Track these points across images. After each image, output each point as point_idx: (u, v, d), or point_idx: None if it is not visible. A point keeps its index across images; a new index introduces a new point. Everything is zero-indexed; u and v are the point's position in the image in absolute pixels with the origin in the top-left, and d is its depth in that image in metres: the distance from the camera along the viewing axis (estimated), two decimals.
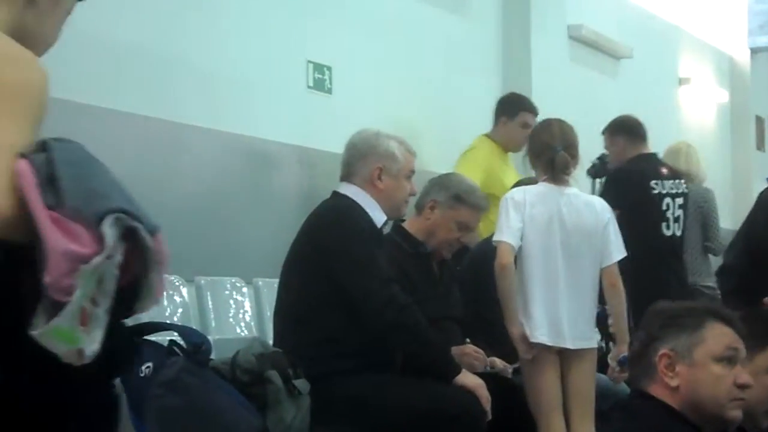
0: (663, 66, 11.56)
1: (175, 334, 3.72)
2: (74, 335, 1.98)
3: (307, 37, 6.76)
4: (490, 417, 4.39)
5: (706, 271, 6.74)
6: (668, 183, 6.44)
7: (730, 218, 10.16)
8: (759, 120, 13.12)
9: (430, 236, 5.15)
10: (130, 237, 2.03)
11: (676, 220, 6.31)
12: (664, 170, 6.55)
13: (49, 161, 2.04)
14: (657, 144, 11.14)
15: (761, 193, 6.55)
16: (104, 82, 5.54)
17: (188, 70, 5.97)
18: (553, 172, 4.97)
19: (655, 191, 6.36)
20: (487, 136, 6.94)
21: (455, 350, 4.87)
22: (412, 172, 4.76)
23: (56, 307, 1.96)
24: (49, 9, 2.29)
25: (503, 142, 6.88)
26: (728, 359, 2.80)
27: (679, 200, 6.38)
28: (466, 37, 8.21)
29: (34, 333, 1.96)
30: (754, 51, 12.96)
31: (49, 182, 2.01)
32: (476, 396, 4.38)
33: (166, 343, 3.80)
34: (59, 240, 1.97)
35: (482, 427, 4.39)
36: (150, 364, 3.69)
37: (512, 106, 6.94)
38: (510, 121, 6.85)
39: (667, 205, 6.32)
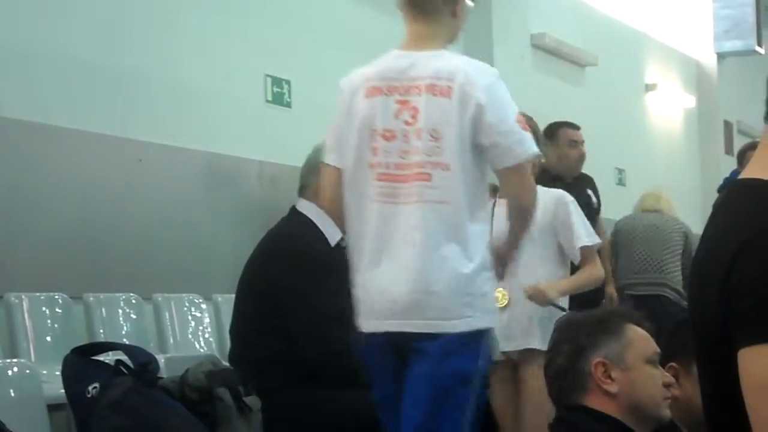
0: (629, 73, 11.57)
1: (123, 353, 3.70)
2: None
3: (265, 51, 6.74)
4: None
5: None
6: None
7: (699, 225, 10.17)
8: (727, 124, 13.16)
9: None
10: None
11: None
12: None
13: None
14: (624, 151, 11.20)
15: (715, 203, 6.67)
16: (59, 100, 5.51)
17: (145, 86, 5.94)
18: None
19: None
20: None
21: None
22: None
23: None
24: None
25: None
26: (654, 360, 2.81)
27: None
28: None
29: None
30: (721, 56, 13.01)
31: None
32: None
33: (113, 363, 3.78)
34: None
35: None
36: (97, 384, 3.67)
37: None
38: None
39: None
